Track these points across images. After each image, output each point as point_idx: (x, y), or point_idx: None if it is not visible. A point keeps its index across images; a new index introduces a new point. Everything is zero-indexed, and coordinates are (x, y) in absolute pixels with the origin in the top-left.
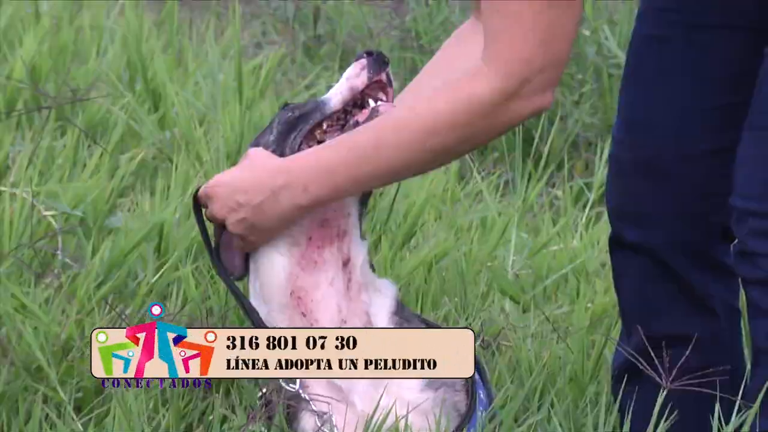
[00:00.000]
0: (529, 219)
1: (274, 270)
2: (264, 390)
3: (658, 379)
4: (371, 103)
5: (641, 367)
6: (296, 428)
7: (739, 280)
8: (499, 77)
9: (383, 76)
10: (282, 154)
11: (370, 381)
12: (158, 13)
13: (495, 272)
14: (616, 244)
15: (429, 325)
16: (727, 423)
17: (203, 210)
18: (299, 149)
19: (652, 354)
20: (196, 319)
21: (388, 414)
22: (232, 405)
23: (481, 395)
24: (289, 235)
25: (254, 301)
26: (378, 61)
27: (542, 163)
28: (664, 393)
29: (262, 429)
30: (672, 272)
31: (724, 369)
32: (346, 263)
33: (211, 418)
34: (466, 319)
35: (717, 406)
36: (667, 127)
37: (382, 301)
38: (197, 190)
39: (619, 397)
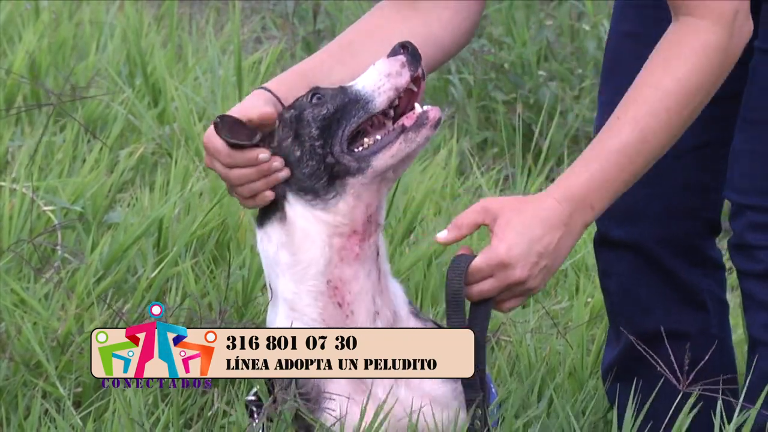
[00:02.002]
0: None
1: (313, 253)
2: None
3: (673, 380)
4: (418, 108)
5: (658, 368)
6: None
7: (725, 274)
8: (720, 22)
9: (420, 71)
10: (331, 152)
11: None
12: (158, 8)
13: None
14: (602, 242)
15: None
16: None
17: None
18: (349, 148)
19: (649, 352)
20: (195, 314)
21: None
22: (232, 400)
23: (493, 389)
24: (334, 226)
25: (280, 277)
26: (415, 56)
27: (542, 157)
28: (680, 394)
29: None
30: (662, 268)
31: (714, 361)
32: (378, 253)
33: (210, 413)
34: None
35: (719, 403)
36: None
37: (397, 289)
38: (460, 277)
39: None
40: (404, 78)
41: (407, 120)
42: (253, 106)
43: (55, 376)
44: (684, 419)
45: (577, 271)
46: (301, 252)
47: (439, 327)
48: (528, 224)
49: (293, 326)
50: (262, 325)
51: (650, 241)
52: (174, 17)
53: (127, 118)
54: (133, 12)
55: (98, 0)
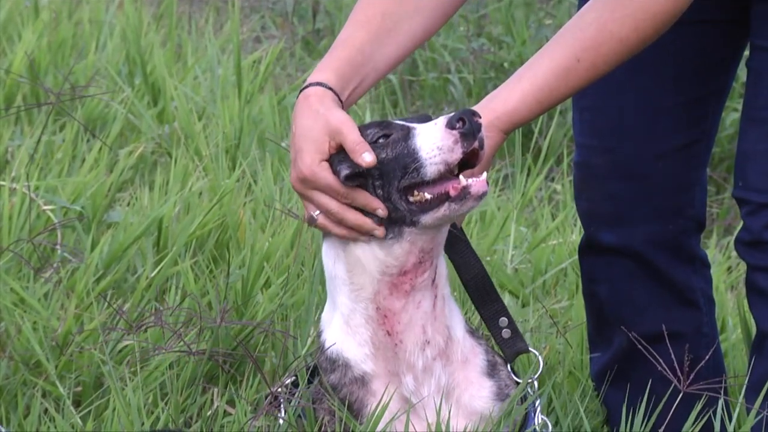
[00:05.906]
0: (528, 213)
1: (364, 279)
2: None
3: (676, 382)
4: (462, 180)
5: (662, 370)
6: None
7: (711, 272)
8: None
9: (476, 144)
10: (389, 199)
11: (440, 393)
12: (157, 7)
13: (494, 266)
14: (589, 248)
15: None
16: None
17: None
18: (406, 197)
19: (654, 354)
20: (195, 314)
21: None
22: (232, 399)
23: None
24: (386, 265)
25: (338, 290)
26: (471, 131)
27: (541, 157)
28: (680, 395)
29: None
30: (654, 269)
31: (707, 359)
32: (434, 280)
33: (209, 412)
34: (465, 314)
35: (721, 402)
36: (639, 129)
37: (454, 311)
38: None
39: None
40: (455, 155)
41: (453, 190)
42: (343, 122)
43: (54, 375)
44: (693, 421)
45: (576, 270)
46: (354, 274)
47: (492, 348)
48: (488, 161)
49: (345, 342)
50: (262, 325)
51: (641, 242)
52: (173, 16)
53: (127, 118)
54: (132, 11)
55: None
